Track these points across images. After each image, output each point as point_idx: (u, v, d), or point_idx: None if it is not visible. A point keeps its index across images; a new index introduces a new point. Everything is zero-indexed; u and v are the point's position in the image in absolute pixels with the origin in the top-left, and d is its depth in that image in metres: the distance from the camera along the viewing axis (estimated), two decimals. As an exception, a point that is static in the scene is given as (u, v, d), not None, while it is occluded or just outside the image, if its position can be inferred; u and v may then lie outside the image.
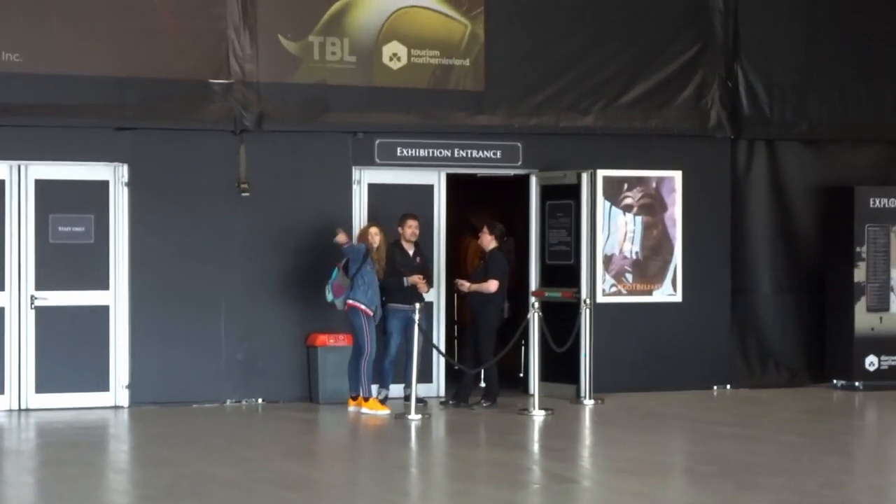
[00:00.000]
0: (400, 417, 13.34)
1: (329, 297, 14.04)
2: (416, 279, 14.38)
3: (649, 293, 15.87)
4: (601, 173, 15.23)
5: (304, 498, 10.02)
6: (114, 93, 14.26)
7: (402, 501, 10.08)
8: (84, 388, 14.30)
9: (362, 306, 13.70)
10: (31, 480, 11.17)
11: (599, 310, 14.80)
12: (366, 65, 15.11)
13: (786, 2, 16.39)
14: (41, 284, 14.13)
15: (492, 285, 14.12)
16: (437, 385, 14.99)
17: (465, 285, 14.33)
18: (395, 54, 15.19)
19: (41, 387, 14.10)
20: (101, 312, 14.30)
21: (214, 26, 14.56)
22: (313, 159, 14.99)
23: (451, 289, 15.16)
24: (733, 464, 11.35)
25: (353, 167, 15.09)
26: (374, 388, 13.93)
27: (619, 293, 15.53)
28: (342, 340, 14.20)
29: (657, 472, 11.28)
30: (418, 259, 14.46)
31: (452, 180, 15.40)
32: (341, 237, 13.61)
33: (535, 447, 12.66)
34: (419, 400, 13.63)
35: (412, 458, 12.28)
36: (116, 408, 14.16)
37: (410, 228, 14.37)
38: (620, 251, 15.61)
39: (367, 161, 15.13)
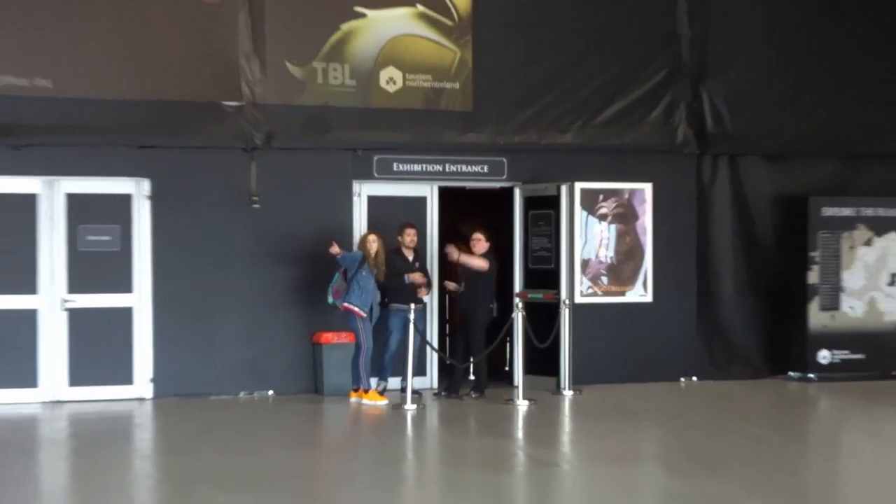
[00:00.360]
0: (397, 407, 13.39)
1: (329, 299, 14.13)
2: (417, 276, 14.43)
3: (622, 294, 15.92)
4: (579, 185, 15.27)
5: (308, 484, 10.08)
6: (136, 114, 14.27)
7: (398, 485, 10.14)
8: (111, 382, 14.39)
9: (356, 308, 13.77)
10: (65, 466, 11.42)
11: (577, 309, 14.87)
12: (364, 88, 15.16)
13: (747, 31, 16.38)
14: (72, 288, 14.26)
15: (483, 263, 14.27)
16: (431, 378, 15.05)
17: (455, 254, 14.44)
18: (391, 78, 15.22)
19: (73, 380, 14.23)
20: (126, 313, 14.38)
21: (227, 54, 14.62)
22: (317, 174, 15.04)
23: (443, 292, 15.23)
24: (700, 451, 11.39)
25: (354, 181, 15.15)
26: (374, 380, 13.97)
27: (595, 294, 15.56)
28: (344, 338, 14.22)
29: (631, 458, 11.34)
30: (417, 264, 14.47)
31: (444, 193, 15.44)
32: (335, 249, 13.74)
33: (520, 434, 12.74)
34: (414, 391, 13.68)
35: (408, 444, 12.30)
36: (141, 400, 14.28)
37: (409, 236, 14.39)
38: (596, 256, 15.65)
39: (366, 175, 15.21)
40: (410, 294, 14.15)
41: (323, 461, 11.54)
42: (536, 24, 15.56)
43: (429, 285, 14.55)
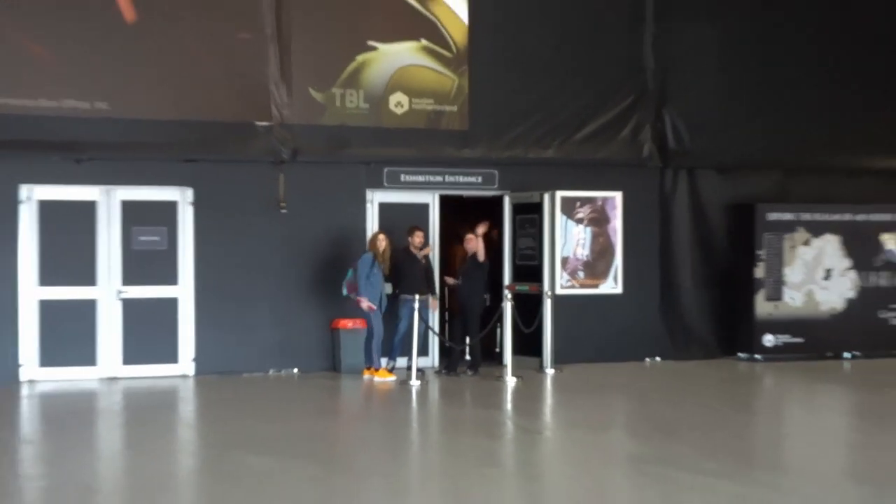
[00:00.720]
0: (403, 383, 13.50)
1: (344, 292, 14.19)
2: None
3: (596, 287, 16.06)
4: (559, 194, 15.41)
5: (327, 447, 10.27)
6: (181, 132, 14.36)
7: (404, 447, 10.40)
8: (159, 361, 14.45)
9: (368, 303, 13.79)
10: (120, 434, 11.48)
11: (558, 300, 14.94)
12: (376, 110, 15.17)
13: (702, 63, 16.44)
14: (126, 281, 14.32)
15: (482, 252, 14.38)
16: (433, 358, 15.10)
17: (474, 239, 14.45)
18: (398, 102, 15.28)
19: (126, 360, 14.30)
20: (172, 303, 14.45)
21: (259, 80, 14.54)
22: (336, 184, 15.09)
23: (443, 285, 15.26)
24: (662, 419, 11.60)
25: (367, 189, 15.22)
26: (385, 360, 14.08)
27: (573, 287, 15.69)
28: (358, 324, 14.30)
29: (603, 425, 11.50)
30: (423, 261, 14.53)
31: (444, 200, 15.58)
32: (364, 304, 13.79)
33: (508, 406, 12.84)
34: (419, 370, 13.78)
35: (412, 414, 12.49)
36: (184, 376, 14.35)
37: (418, 237, 14.40)
38: (574, 254, 15.77)
39: (378, 185, 15.28)
40: (417, 286, 14.16)
41: (340, 428, 11.72)
42: (523, 57, 15.61)
43: (433, 291, 14.63)
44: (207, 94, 14.46)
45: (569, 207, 15.75)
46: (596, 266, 16.08)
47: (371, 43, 15.14)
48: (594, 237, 16.06)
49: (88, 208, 14.34)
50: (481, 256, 14.36)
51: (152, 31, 14.22)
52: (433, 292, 14.49)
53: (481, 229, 14.43)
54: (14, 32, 13.90)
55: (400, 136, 15.29)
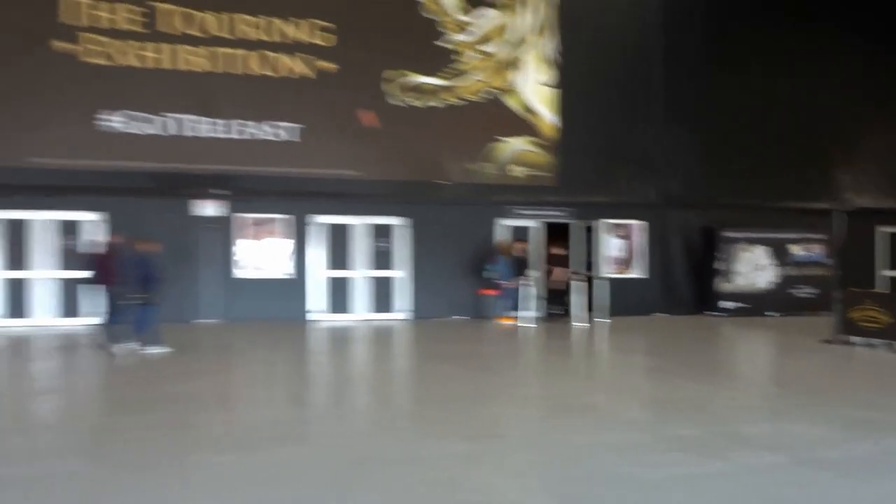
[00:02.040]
0: (521, 327, 13.77)
1: (485, 274, 14.85)
2: (559, 272, 14.66)
3: (626, 273, 16.62)
4: (602, 221, 16.04)
5: (479, 358, 10.23)
6: (400, 186, 15.01)
7: (520, 360, 10.54)
8: (390, 311, 15.21)
9: (503, 282, 14.44)
10: (360, 349, 11.95)
11: (604, 281, 15.27)
12: (503, 175, 15.85)
13: (683, 143, 16.55)
14: (366, 266, 15.00)
15: (563, 275, 14.79)
16: (539, 313, 14.58)
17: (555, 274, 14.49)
18: (517, 169, 15.97)
19: (371, 310, 15.02)
20: (395, 279, 15.28)
21: (437, 157, 15.15)
22: (479, 216, 15.72)
23: (547, 274, 15.09)
24: (656, 346, 11.99)
25: (496, 218, 15.82)
26: (512, 312, 14.37)
27: (613, 273, 16.12)
28: (492, 293, 14.81)
29: (626, 349, 11.50)
30: (523, 256, 14.66)
31: (546, 225, 15.39)
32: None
33: (582, 338, 12.63)
34: (534, 317, 13.94)
35: (529, 342, 12.25)
36: (405, 320, 14.84)
37: (520, 245, 15.05)
38: (614, 255, 16.45)
39: (503, 216, 15.86)
40: (521, 272, 14.42)
41: (485, 347, 11.75)
42: (586, 145, 16.02)
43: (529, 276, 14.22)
44: (409, 160, 15.12)
45: (610, 229, 16.32)
46: (626, 262, 16.65)
47: (498, 137, 15.88)
48: (625, 246, 16.58)
49: (350, 229, 15.15)
50: (564, 277, 14.82)
51: (383, 132, 15.05)
52: (527, 274, 14.51)
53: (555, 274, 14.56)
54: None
55: (517, 189, 15.85)
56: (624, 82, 16.41)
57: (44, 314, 13.87)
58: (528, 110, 16.00)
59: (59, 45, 13.83)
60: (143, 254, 10.58)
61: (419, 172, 15.34)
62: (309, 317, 14.83)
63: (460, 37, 15.48)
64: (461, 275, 15.42)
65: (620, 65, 16.23)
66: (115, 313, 10.42)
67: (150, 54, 14.30)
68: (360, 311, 15.24)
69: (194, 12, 14.43)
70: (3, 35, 13.47)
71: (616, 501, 4.54)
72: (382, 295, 15.37)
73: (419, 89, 15.27)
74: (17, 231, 13.82)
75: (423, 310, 15.44)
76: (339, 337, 12.76)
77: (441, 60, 15.39)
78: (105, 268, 10.39)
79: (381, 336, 12.95)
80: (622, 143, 16.40)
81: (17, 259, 13.77)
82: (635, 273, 16.86)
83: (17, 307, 13.82)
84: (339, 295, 15.14)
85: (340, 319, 14.87)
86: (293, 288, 14.83)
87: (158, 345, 10.54)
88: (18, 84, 13.50)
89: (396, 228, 15.54)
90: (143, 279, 10.36)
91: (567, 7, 16.23)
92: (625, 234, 16.77)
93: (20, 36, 13.51)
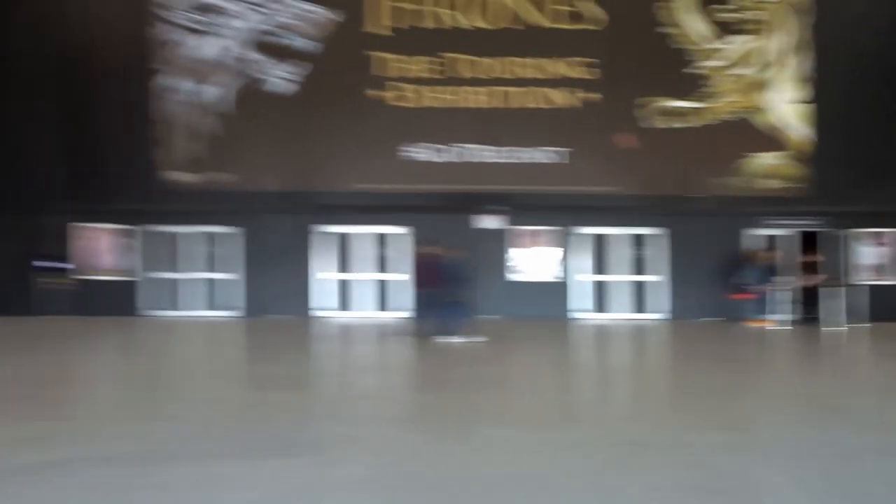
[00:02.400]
0: (774, 329, 13.32)
1: (736, 279, 14.17)
2: (820, 278, 13.98)
3: (882, 279, 15.32)
4: (852, 231, 15.30)
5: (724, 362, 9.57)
6: (657, 200, 15.12)
7: (769, 356, 10.22)
8: (643, 311, 15.20)
9: (752, 288, 13.95)
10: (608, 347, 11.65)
11: (855, 288, 14.34)
12: (753, 187, 15.23)
13: None
14: (597, 271, 15.21)
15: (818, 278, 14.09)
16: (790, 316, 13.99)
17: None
18: (767, 182, 15.34)
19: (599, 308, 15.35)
20: (658, 284, 15.20)
21: (684, 170, 14.83)
22: (731, 226, 15.12)
23: (798, 281, 14.49)
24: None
25: (747, 228, 15.23)
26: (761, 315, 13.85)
27: (869, 280, 15.06)
28: (743, 297, 14.18)
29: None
30: (768, 262, 14.32)
31: (799, 234, 15.21)
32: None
33: (830, 345, 11.61)
34: (784, 322, 13.56)
35: (777, 344, 11.64)
36: (661, 321, 14.73)
37: (768, 254, 14.44)
38: (871, 262, 15.38)
39: (755, 225, 15.29)
40: (769, 279, 14.11)
41: (737, 347, 11.11)
42: (844, 158, 15.06)
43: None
44: (668, 179, 15.03)
45: (864, 236, 15.44)
46: (884, 268, 15.51)
47: (748, 153, 15.35)
48: (882, 253, 15.50)
49: (610, 238, 15.28)
50: (817, 282, 14.15)
51: (641, 152, 15.05)
52: (776, 280, 14.03)
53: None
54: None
55: (766, 200, 15.27)
56: (880, 93, 15.29)
57: (364, 308, 15.37)
58: (779, 126, 15.43)
59: (372, 92, 15.56)
60: (455, 260, 11.45)
61: (674, 187, 15.16)
62: (573, 315, 15.13)
63: (711, 62, 15.25)
64: (713, 280, 15.08)
65: (877, 77, 15.11)
66: (433, 309, 11.23)
67: (441, 95, 15.55)
68: (620, 310, 15.32)
69: (477, 59, 15.33)
70: (329, 88, 15.20)
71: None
72: (640, 297, 15.42)
73: (672, 112, 15.20)
74: (344, 242, 15.54)
75: (677, 311, 15.32)
76: (601, 334, 12.78)
77: (692, 85, 15.24)
78: (428, 272, 11.32)
79: (640, 334, 12.85)
80: (878, 153, 15.29)
81: (344, 264, 15.44)
82: (893, 280, 15.60)
83: (344, 302, 15.46)
84: (600, 296, 15.39)
85: (601, 318, 15.03)
86: (559, 290, 15.25)
87: (469, 336, 11.20)
88: (341, 126, 15.09)
89: (653, 238, 15.48)
90: (456, 281, 11.16)
91: (821, 26, 15.42)
92: (882, 242, 15.67)
93: (342, 88, 15.20)
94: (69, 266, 14.99)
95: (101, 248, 15.49)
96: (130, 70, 15.17)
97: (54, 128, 15.06)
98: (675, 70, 15.26)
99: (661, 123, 15.23)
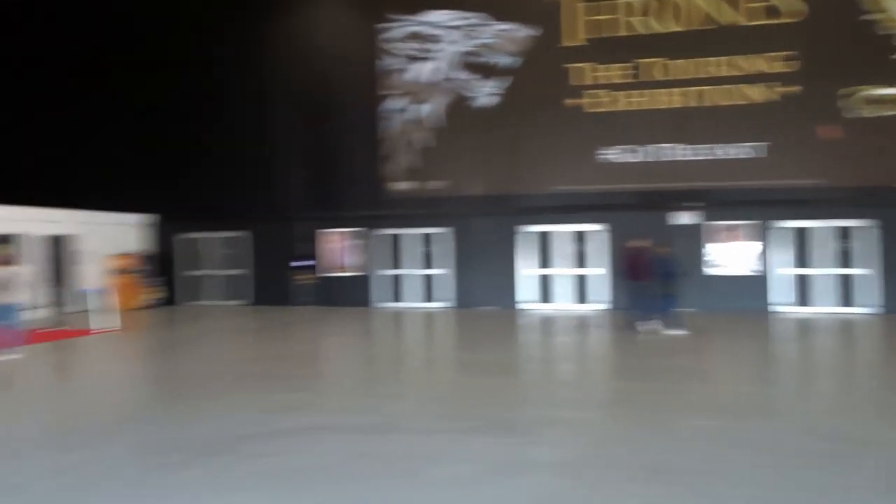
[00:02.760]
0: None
1: None
2: None
3: None
4: None
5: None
6: (861, 192, 14.33)
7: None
8: (843, 304, 14.40)
9: None
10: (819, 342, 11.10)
11: None
12: None
13: None
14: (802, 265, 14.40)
15: None
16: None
17: None
18: None
19: (802, 302, 14.40)
20: (868, 278, 14.36)
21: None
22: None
23: None
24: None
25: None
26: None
27: None
28: None
29: None
30: None
31: None
32: None
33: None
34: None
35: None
36: (865, 314, 13.97)
37: None
38: None
39: None
40: None
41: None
42: None
43: None
44: (877, 169, 14.43)
45: None
46: None
47: None
48: None
49: (811, 231, 14.61)
50: None
51: (845, 142, 14.43)
52: None
53: None
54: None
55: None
56: None
57: (563, 300, 15.92)
58: None
59: (569, 101, 16.23)
60: (663, 255, 11.55)
61: (885, 177, 14.57)
62: (773, 309, 14.76)
63: (921, 46, 14.60)
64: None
65: None
66: (641, 301, 11.35)
67: (635, 99, 15.84)
68: (825, 304, 14.78)
69: (669, 61, 15.55)
70: (529, 99, 16.09)
71: None
72: (847, 291, 14.80)
73: (881, 100, 14.66)
74: (544, 240, 16.17)
75: (890, 305, 14.60)
76: (804, 327, 12.37)
77: (899, 71, 14.57)
78: (638, 266, 11.46)
79: (845, 328, 12.23)
80: None
81: (544, 260, 16.10)
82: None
83: (545, 295, 15.97)
84: (802, 290, 14.89)
85: (804, 312, 14.55)
86: (758, 283, 14.93)
87: (679, 328, 11.32)
88: (540, 133, 15.89)
89: (862, 230, 14.78)
90: (666, 275, 11.27)
91: None
92: None
93: (542, 99, 16.00)
94: (316, 265, 17.31)
95: (339, 249, 17.48)
96: (363, 97, 17.04)
97: (302, 151, 17.43)
98: (882, 57, 14.71)
99: (868, 113, 14.66)
